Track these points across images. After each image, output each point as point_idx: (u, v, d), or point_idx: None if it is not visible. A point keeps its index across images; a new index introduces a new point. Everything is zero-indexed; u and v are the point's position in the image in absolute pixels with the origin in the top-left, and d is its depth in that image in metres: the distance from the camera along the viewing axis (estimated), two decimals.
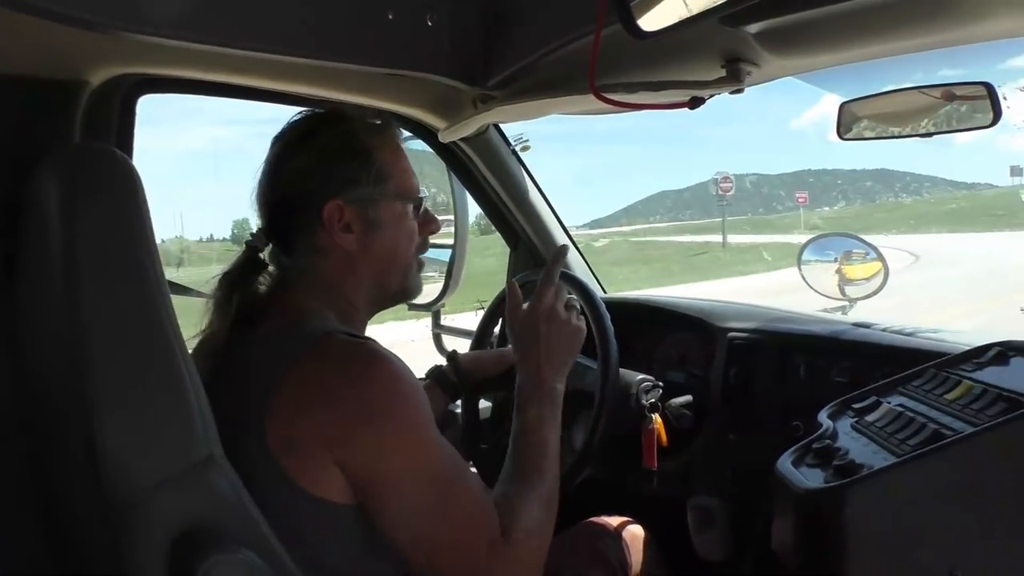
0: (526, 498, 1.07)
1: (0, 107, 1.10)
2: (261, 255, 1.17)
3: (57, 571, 0.98)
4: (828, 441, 0.99)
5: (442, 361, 1.60)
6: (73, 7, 0.94)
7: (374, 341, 1.05)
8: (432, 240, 1.26)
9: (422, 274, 1.26)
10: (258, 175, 1.16)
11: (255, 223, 1.17)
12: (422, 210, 1.21)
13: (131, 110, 1.38)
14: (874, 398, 1.11)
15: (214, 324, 1.12)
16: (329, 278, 1.14)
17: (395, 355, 1.05)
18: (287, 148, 1.14)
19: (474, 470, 1.60)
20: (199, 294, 1.23)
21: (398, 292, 1.22)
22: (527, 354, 1.21)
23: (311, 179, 1.12)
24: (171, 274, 1.03)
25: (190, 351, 0.93)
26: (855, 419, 1.06)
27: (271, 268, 1.18)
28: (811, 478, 0.92)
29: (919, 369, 1.13)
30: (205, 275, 1.17)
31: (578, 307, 1.26)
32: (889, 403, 1.06)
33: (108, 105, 1.30)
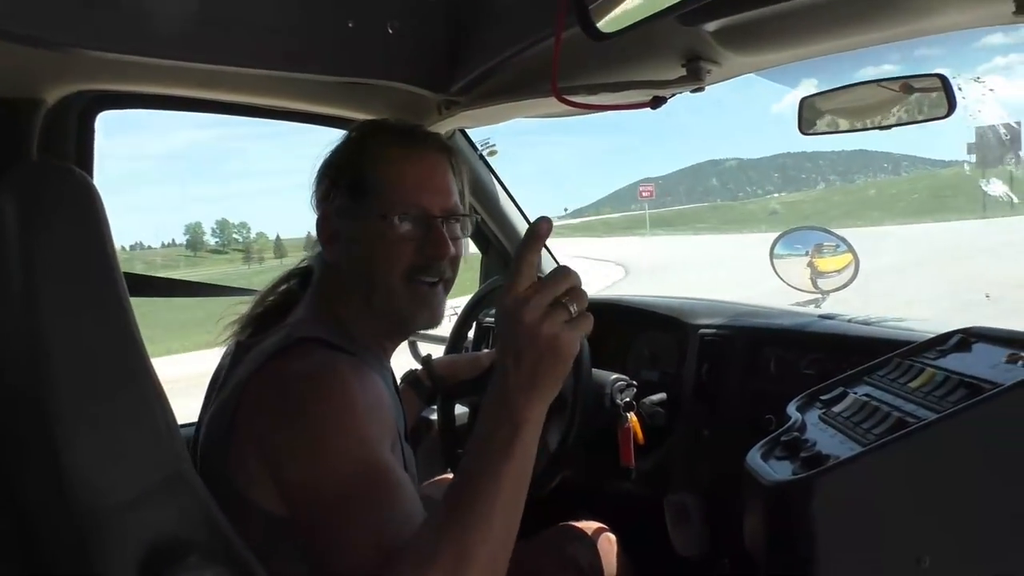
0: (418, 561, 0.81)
1: None
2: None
3: None
4: (796, 433, 1.00)
5: (416, 365, 1.61)
6: (24, 26, 0.93)
7: (346, 356, 1.00)
8: None
9: (434, 302, 1.13)
10: None
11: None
12: (432, 228, 1.09)
13: (89, 127, 1.37)
14: (841, 389, 1.12)
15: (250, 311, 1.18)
16: (326, 290, 1.14)
17: (354, 371, 0.97)
18: None
19: (448, 473, 1.60)
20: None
21: (385, 316, 1.11)
22: (502, 375, 0.83)
23: (314, 189, 1.16)
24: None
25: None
26: (823, 410, 1.08)
27: None
28: (779, 470, 0.93)
29: (885, 359, 1.15)
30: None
31: (572, 309, 0.81)
32: (856, 393, 1.08)
33: (65, 122, 1.29)
